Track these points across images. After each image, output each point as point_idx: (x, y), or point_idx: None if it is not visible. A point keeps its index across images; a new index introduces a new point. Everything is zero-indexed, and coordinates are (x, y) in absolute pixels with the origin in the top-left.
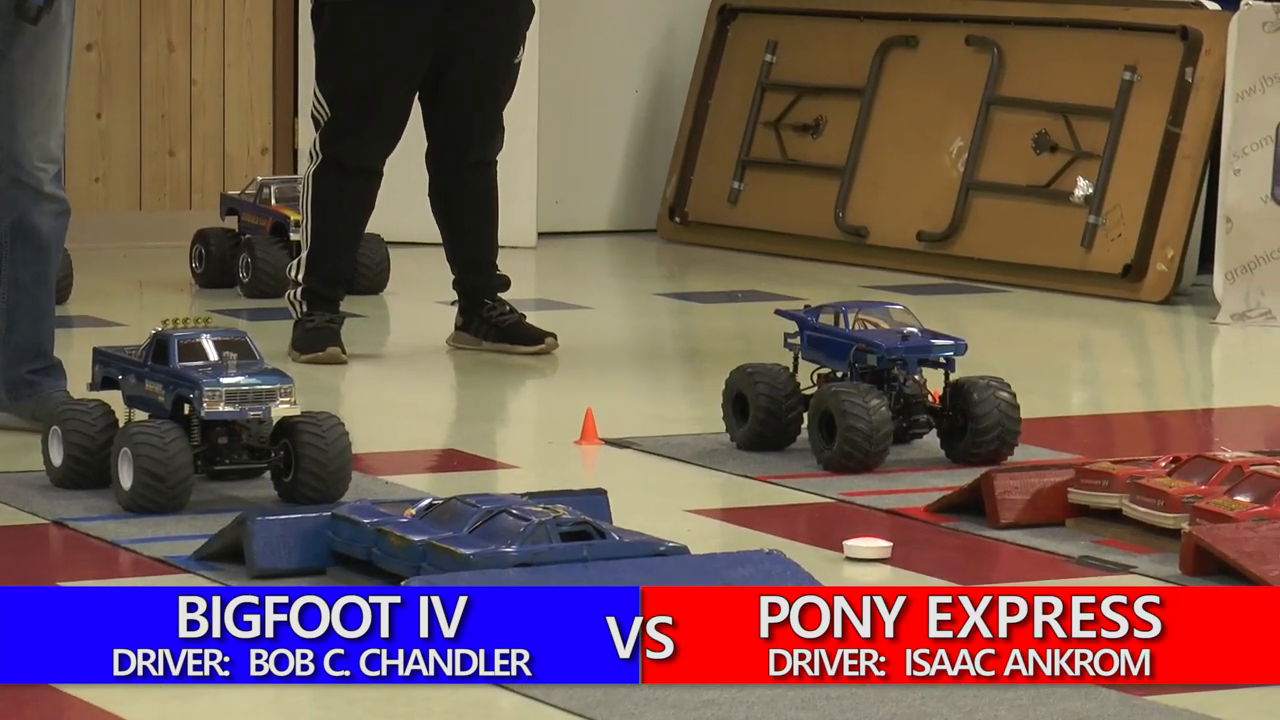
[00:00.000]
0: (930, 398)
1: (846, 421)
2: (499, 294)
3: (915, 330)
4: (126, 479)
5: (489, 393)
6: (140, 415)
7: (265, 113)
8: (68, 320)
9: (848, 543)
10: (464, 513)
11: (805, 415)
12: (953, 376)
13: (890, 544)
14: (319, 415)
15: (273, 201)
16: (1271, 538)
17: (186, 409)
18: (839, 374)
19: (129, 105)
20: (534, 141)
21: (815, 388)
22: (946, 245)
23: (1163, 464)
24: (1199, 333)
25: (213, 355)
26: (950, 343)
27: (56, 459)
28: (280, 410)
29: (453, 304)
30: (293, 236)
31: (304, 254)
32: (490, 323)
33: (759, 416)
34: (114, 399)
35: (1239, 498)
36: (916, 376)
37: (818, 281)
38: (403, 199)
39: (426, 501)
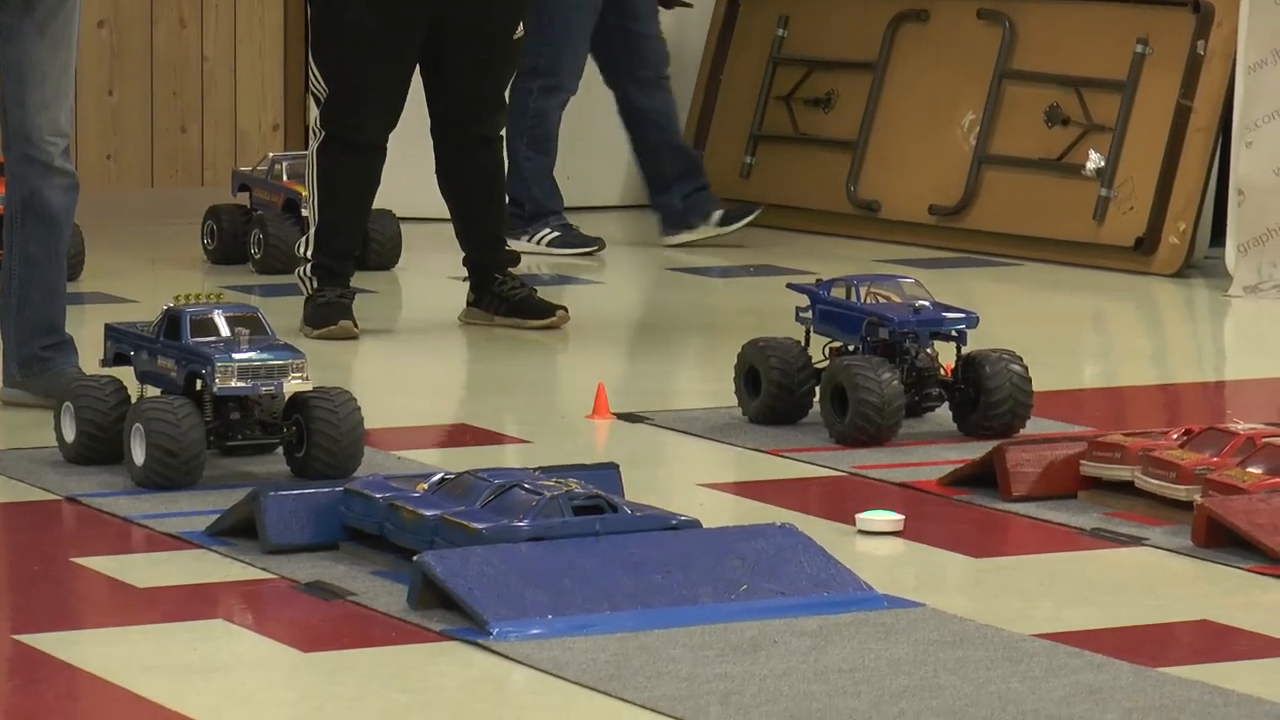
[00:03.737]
0: (942, 371)
1: (858, 395)
2: (510, 269)
3: (927, 304)
4: (139, 455)
5: (500, 367)
6: (153, 391)
7: (277, 89)
8: (79, 297)
9: (860, 516)
10: (476, 487)
11: (817, 389)
12: (965, 350)
13: (902, 517)
14: (331, 390)
15: (284, 178)
16: None
17: (199, 385)
18: (851, 348)
19: (140, 82)
20: None
21: (827, 361)
22: (958, 219)
23: (1175, 436)
24: (1211, 305)
25: (225, 331)
26: (962, 316)
27: (69, 435)
28: (292, 385)
29: (464, 280)
30: (304, 213)
31: (312, 230)
32: (501, 297)
33: (771, 390)
34: (126, 375)
35: (1251, 469)
36: (928, 350)
37: (830, 256)
38: (415, 175)
39: (439, 476)
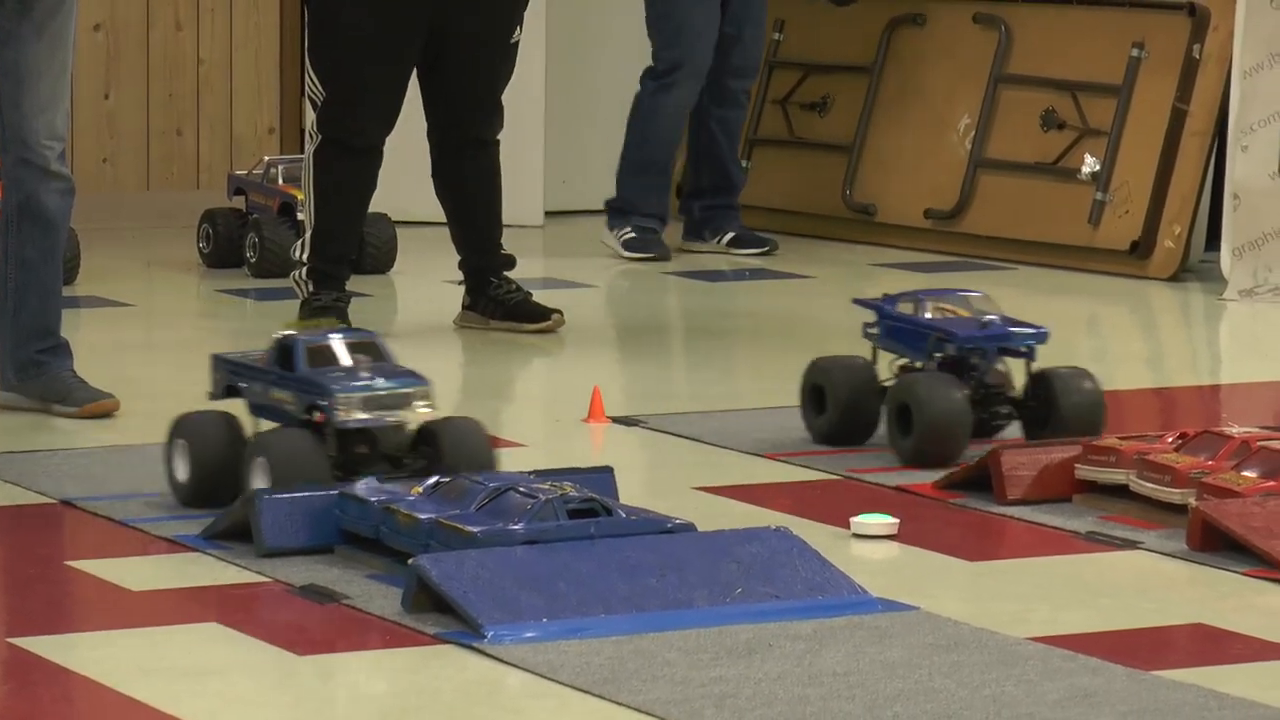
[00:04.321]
0: (1013, 388)
1: (924, 414)
2: (505, 272)
3: (995, 318)
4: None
5: (496, 370)
6: (268, 426)
7: (273, 92)
8: (75, 300)
9: (854, 519)
10: (471, 490)
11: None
12: (1034, 366)
13: (897, 520)
14: (460, 420)
15: (280, 181)
16: (1279, 513)
17: (318, 416)
18: (918, 364)
19: (137, 85)
20: (541, 121)
21: (894, 379)
22: (954, 223)
23: (1170, 440)
24: (1206, 309)
25: (344, 359)
26: (1031, 331)
27: (182, 474)
28: (418, 415)
29: (459, 283)
30: (299, 216)
31: (308, 234)
32: (496, 301)
33: (837, 410)
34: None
35: (1246, 473)
36: (998, 366)
37: (825, 260)
38: (411, 179)
39: (434, 479)
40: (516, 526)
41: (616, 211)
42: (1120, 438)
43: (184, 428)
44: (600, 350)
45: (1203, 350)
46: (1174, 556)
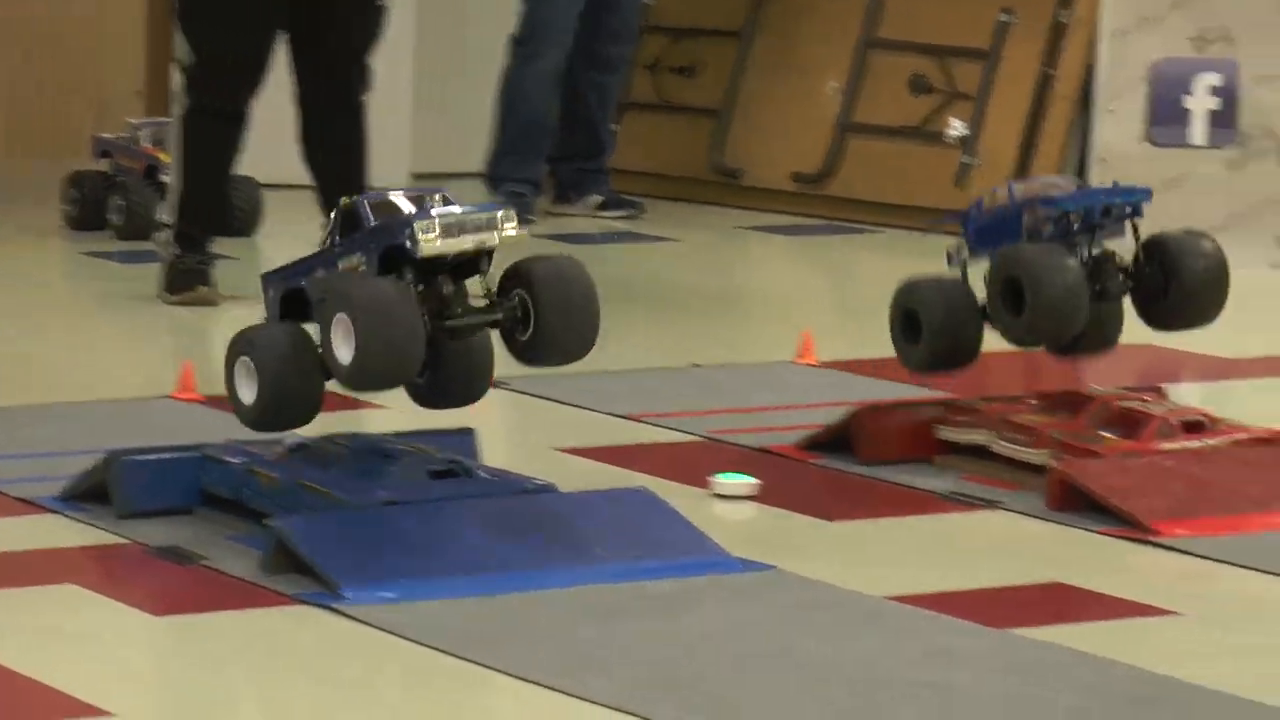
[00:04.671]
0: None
1: (1039, 286)
2: None
3: (1092, 187)
4: (346, 353)
5: None
6: None
7: (139, 55)
8: None
9: (714, 480)
10: (334, 453)
11: (985, 288)
12: (1145, 231)
13: (758, 481)
14: (556, 258)
15: (146, 144)
16: (1139, 473)
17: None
18: None
19: (1, 48)
20: (409, 84)
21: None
22: (822, 186)
23: (1031, 401)
24: None
25: (410, 207)
26: (1137, 189)
27: (248, 395)
28: (506, 237)
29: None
30: (165, 179)
31: (173, 196)
32: None
33: (934, 336)
34: None
35: (1107, 434)
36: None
37: (691, 223)
38: (276, 141)
39: (297, 442)
40: (378, 488)
41: (488, 180)
42: (982, 398)
43: (247, 343)
44: None
45: None
46: (1033, 516)
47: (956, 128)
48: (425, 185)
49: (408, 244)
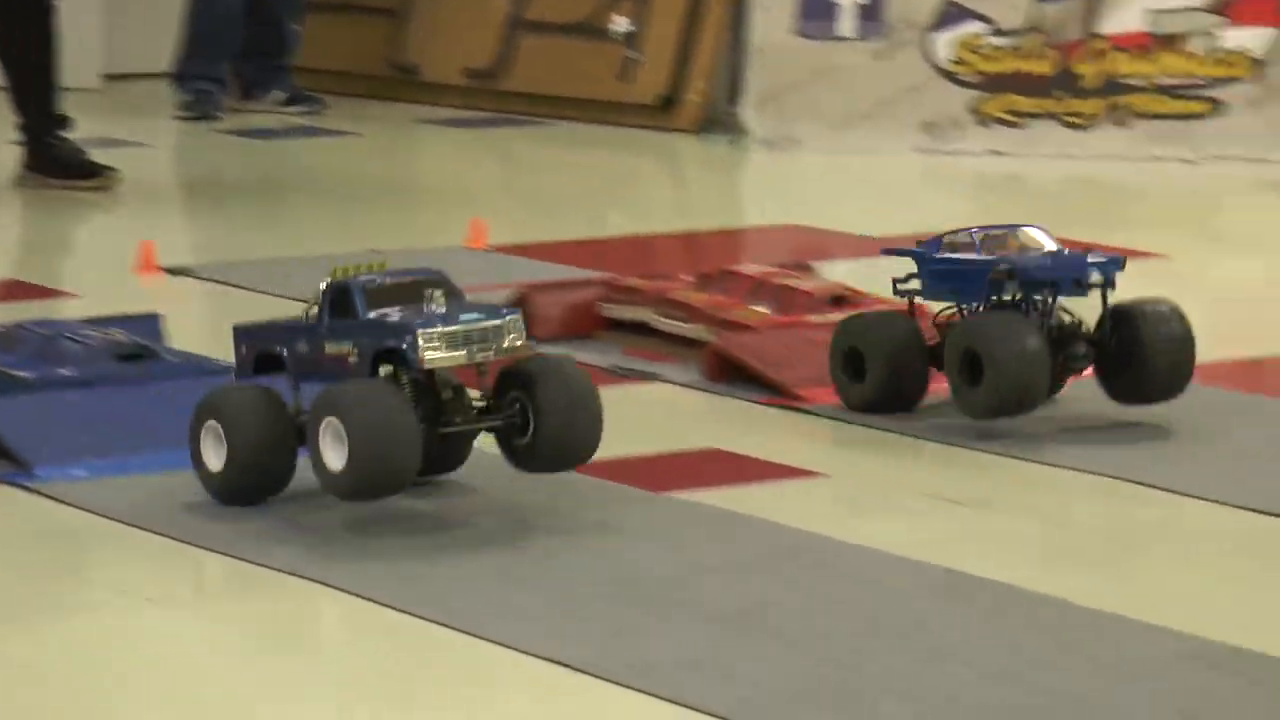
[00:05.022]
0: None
1: (997, 361)
2: (62, 133)
3: (1064, 251)
4: (337, 458)
5: (53, 227)
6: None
7: None
8: None
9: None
10: (24, 338)
11: (944, 358)
12: (1112, 300)
13: None
14: (558, 359)
15: None
16: (789, 345)
17: (389, 367)
18: (973, 308)
19: None
20: None
21: (937, 333)
22: (494, 81)
23: (688, 279)
24: (730, 159)
25: (411, 303)
26: (1107, 259)
27: (215, 463)
28: (513, 348)
29: (19, 144)
30: None
31: None
32: (55, 160)
33: (880, 374)
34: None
35: (759, 309)
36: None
37: (371, 118)
38: None
39: None
40: (66, 371)
41: (176, 79)
42: (642, 277)
43: (216, 407)
44: (156, 206)
45: (727, 197)
46: (691, 387)
47: (621, 24)
48: (421, 264)
49: (409, 354)
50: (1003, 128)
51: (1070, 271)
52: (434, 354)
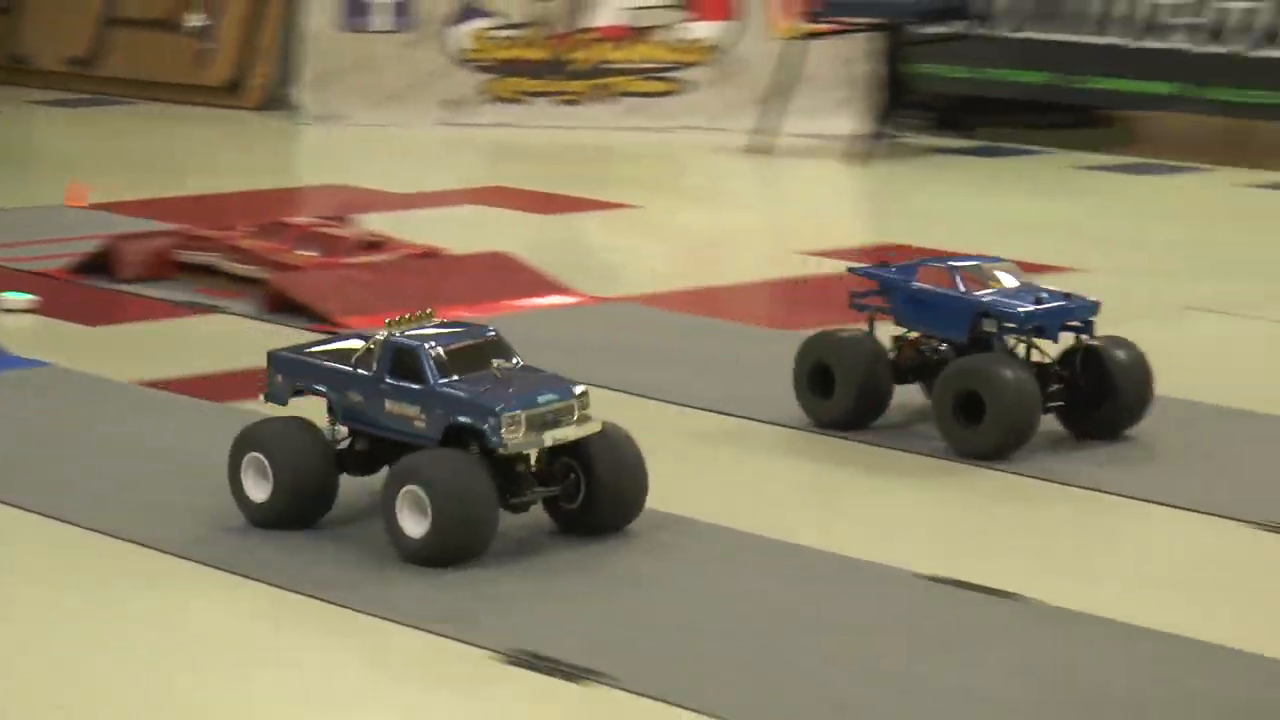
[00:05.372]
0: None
1: (1003, 403)
2: None
3: (1043, 292)
4: (417, 525)
5: None
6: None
7: None
8: None
9: (2, 297)
10: None
11: (935, 392)
12: (1084, 340)
13: (38, 297)
14: (610, 429)
15: None
16: (331, 281)
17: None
18: (942, 344)
19: None
20: None
21: (898, 352)
22: (91, 68)
23: (250, 229)
24: (288, 132)
25: (479, 367)
26: (1090, 303)
27: (260, 494)
28: (582, 430)
29: None
30: None
31: None
32: None
33: (851, 392)
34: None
35: (307, 253)
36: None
37: None
38: None
39: None
40: None
41: None
42: (212, 228)
43: (257, 439)
44: None
45: (283, 162)
46: (252, 318)
47: (195, 20)
48: (467, 322)
49: (492, 437)
50: (509, 105)
51: (1060, 318)
52: (515, 439)
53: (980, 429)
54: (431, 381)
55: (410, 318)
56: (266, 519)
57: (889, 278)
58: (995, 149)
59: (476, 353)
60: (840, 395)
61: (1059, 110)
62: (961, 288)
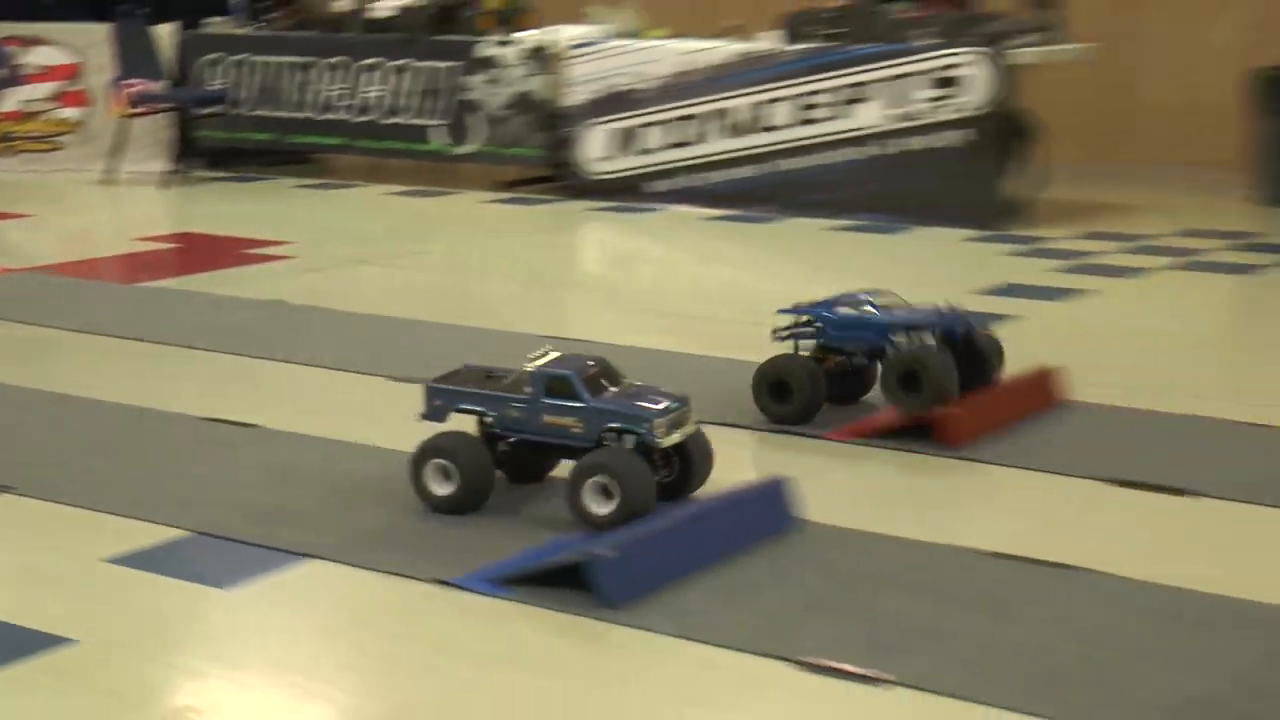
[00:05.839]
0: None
1: (935, 376)
2: None
3: (940, 306)
4: (600, 507)
5: None
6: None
7: None
8: None
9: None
10: None
11: (882, 377)
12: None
13: None
14: (698, 433)
15: None
16: None
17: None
18: (855, 355)
19: None
20: None
21: (820, 361)
22: None
23: None
24: None
25: (608, 386)
26: (975, 316)
27: (442, 489)
28: (691, 429)
29: None
30: None
31: None
32: None
33: (802, 399)
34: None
35: None
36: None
37: None
38: None
39: None
40: None
41: None
42: None
43: (441, 449)
44: None
45: None
46: None
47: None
48: (571, 355)
49: (649, 437)
50: None
51: (960, 325)
52: (666, 436)
53: (920, 394)
54: (584, 399)
55: (538, 356)
56: (446, 508)
57: (817, 312)
58: (245, 178)
59: (598, 377)
60: (795, 401)
61: (281, 154)
62: (878, 311)
